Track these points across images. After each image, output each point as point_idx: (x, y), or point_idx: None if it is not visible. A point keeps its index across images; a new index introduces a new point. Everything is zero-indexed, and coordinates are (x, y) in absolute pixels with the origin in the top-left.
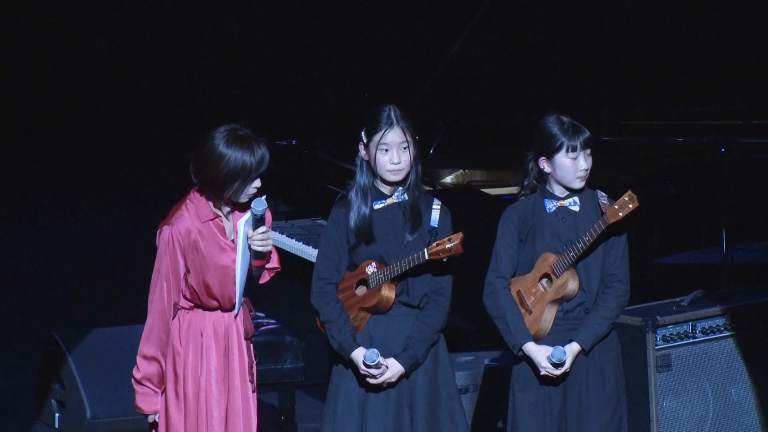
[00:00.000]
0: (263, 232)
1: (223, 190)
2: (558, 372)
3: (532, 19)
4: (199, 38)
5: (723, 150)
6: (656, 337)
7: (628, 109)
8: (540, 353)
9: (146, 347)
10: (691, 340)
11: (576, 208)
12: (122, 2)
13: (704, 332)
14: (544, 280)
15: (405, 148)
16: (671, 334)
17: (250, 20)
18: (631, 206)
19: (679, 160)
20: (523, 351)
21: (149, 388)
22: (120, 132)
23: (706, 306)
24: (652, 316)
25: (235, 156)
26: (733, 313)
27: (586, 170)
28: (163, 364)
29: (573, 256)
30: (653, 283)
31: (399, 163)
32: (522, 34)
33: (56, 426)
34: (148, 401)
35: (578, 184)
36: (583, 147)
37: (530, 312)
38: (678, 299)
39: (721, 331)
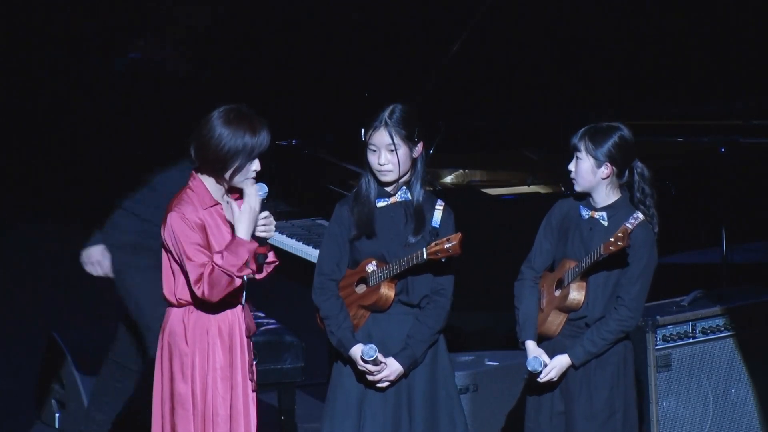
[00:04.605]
0: (265, 217)
1: (225, 169)
2: (538, 379)
3: (533, 19)
4: (198, 38)
5: (723, 150)
6: (656, 337)
7: (628, 109)
8: (530, 356)
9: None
10: (691, 340)
11: (605, 223)
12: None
13: (704, 332)
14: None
15: (392, 150)
16: (671, 334)
17: (249, 19)
18: (620, 244)
19: (679, 160)
20: (524, 345)
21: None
22: (120, 131)
23: (706, 306)
24: (652, 316)
25: (236, 133)
26: (733, 313)
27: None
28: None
29: (578, 270)
30: (653, 283)
31: (385, 164)
32: (522, 34)
33: (56, 426)
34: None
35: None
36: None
37: (542, 311)
38: (678, 299)
39: (721, 331)
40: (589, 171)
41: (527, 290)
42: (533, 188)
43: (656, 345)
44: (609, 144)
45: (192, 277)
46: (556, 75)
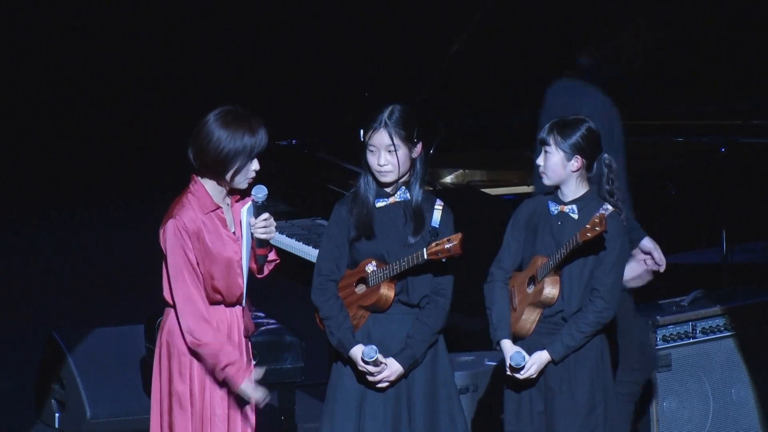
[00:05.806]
0: (265, 219)
1: (225, 171)
2: (519, 376)
3: (533, 19)
4: (199, 38)
5: (723, 150)
6: (656, 337)
7: (628, 109)
8: (509, 353)
9: (201, 335)
10: (691, 340)
11: (575, 216)
12: (122, 0)
13: (704, 332)
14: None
15: (391, 151)
16: (671, 334)
17: (249, 20)
18: (597, 229)
19: (679, 160)
20: (499, 346)
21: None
22: (120, 131)
23: (706, 306)
24: (652, 316)
25: (234, 135)
26: (733, 313)
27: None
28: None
29: (551, 264)
30: (653, 283)
31: (385, 165)
32: (523, 33)
33: (56, 426)
34: (238, 377)
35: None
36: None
37: (515, 309)
38: (678, 299)
39: (721, 331)
40: (559, 164)
41: (498, 291)
42: (533, 188)
43: (656, 345)
44: (578, 136)
45: (182, 307)
46: (556, 75)
